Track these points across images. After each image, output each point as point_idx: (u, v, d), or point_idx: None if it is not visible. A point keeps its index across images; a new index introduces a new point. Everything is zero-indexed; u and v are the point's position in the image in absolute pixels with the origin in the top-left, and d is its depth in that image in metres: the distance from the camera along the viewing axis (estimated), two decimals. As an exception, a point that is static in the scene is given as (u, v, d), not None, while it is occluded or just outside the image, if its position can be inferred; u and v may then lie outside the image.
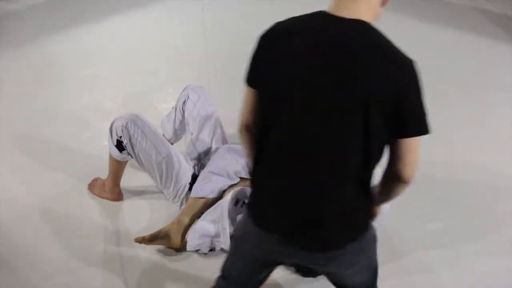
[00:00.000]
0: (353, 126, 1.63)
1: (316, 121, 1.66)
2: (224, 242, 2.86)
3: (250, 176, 2.06)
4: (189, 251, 2.94)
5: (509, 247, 3.09)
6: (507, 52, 5.35)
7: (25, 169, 3.62)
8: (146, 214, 3.27)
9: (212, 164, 3.15)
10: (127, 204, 3.33)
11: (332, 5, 1.71)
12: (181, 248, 2.95)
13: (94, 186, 3.39)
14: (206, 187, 3.05)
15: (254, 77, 1.84)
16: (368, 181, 1.80)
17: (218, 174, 3.09)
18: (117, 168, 3.27)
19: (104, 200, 3.33)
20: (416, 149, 1.76)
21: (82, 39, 5.56)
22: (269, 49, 1.76)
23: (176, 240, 2.92)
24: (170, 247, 2.94)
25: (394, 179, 1.80)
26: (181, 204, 3.19)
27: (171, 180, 3.15)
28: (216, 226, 2.87)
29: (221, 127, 3.40)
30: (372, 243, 2.02)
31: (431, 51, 5.35)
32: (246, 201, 2.88)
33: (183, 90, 3.41)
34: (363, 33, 1.65)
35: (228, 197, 2.89)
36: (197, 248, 2.91)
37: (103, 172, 3.32)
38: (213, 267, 2.90)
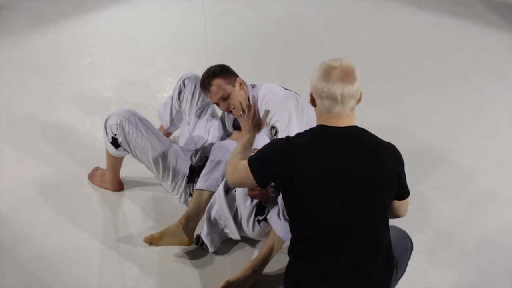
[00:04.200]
0: (378, 203, 2.15)
1: (352, 206, 2.11)
2: (232, 232, 2.88)
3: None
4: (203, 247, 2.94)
5: (509, 234, 3.10)
6: (506, 40, 5.34)
7: (25, 159, 3.63)
8: (146, 204, 3.28)
9: (214, 154, 3.15)
10: (128, 194, 3.34)
11: (323, 119, 2.17)
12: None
13: (94, 176, 3.40)
14: (211, 179, 3.03)
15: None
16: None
17: (219, 163, 3.09)
18: (115, 163, 3.28)
19: (105, 190, 3.34)
20: (408, 202, 2.34)
21: (82, 28, 5.55)
22: (290, 160, 2.14)
23: (184, 237, 2.87)
24: (180, 244, 2.88)
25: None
26: (180, 197, 3.20)
27: (169, 174, 3.15)
28: (221, 219, 2.88)
29: (218, 117, 3.41)
30: None
31: (430, 39, 5.35)
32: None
33: (179, 80, 3.41)
34: (359, 135, 2.18)
35: (220, 190, 2.89)
36: (212, 246, 2.91)
37: (104, 161, 3.33)
38: (211, 259, 2.93)
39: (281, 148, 2.18)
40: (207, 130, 3.33)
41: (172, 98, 3.40)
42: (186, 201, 3.19)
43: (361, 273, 2.14)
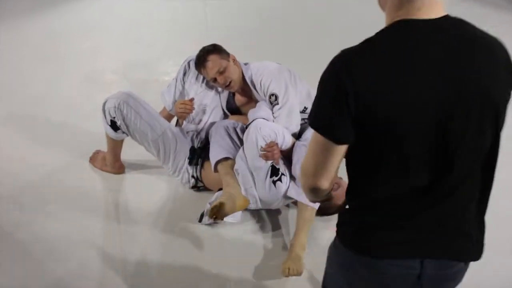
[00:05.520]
0: (489, 138, 1.62)
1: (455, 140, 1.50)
2: (253, 201, 2.90)
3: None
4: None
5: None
6: (509, 22, 5.30)
7: (27, 142, 3.63)
8: (147, 186, 3.29)
9: (214, 129, 3.18)
10: (129, 177, 3.36)
11: (404, 12, 1.44)
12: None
13: (96, 159, 3.41)
14: (224, 146, 3.05)
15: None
16: None
17: (221, 131, 3.12)
18: (115, 146, 3.29)
19: (106, 173, 3.35)
20: None
21: (82, 11, 5.53)
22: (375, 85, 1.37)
23: (243, 199, 2.88)
24: (241, 208, 2.87)
25: None
26: (182, 178, 3.21)
27: (169, 156, 3.17)
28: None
29: (221, 100, 3.39)
30: None
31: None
32: None
33: (184, 61, 3.40)
34: (461, 29, 1.55)
35: (243, 158, 2.91)
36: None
37: (105, 144, 3.33)
38: (211, 237, 2.94)
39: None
40: (210, 112, 3.31)
41: (176, 79, 3.38)
42: (187, 182, 3.19)
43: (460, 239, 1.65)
